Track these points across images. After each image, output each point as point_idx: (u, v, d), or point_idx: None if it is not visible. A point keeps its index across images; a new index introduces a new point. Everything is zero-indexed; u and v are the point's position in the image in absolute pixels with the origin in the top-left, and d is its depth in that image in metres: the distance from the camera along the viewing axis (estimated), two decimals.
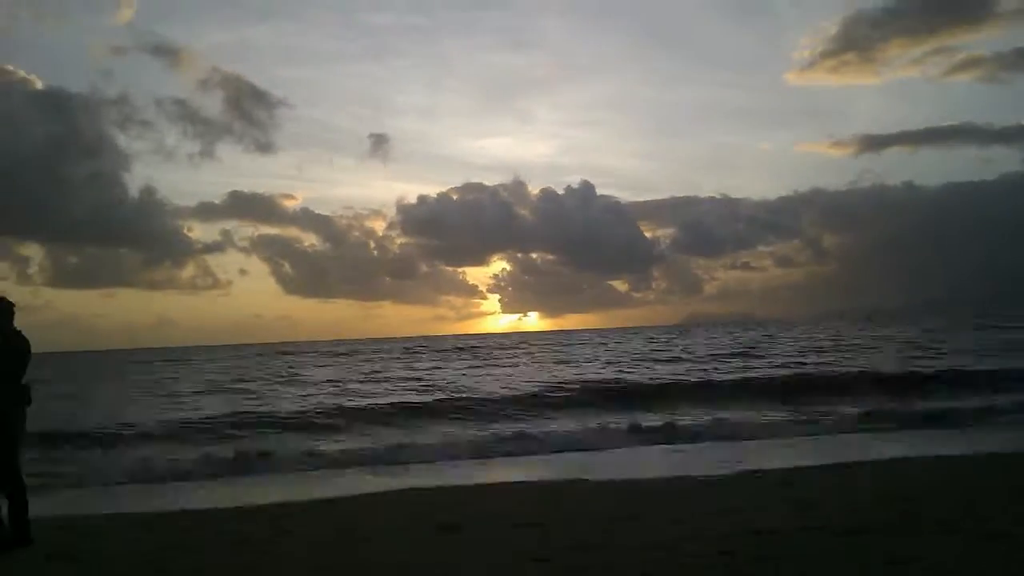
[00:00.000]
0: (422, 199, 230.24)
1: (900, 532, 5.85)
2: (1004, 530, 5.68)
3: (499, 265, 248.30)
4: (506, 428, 15.90)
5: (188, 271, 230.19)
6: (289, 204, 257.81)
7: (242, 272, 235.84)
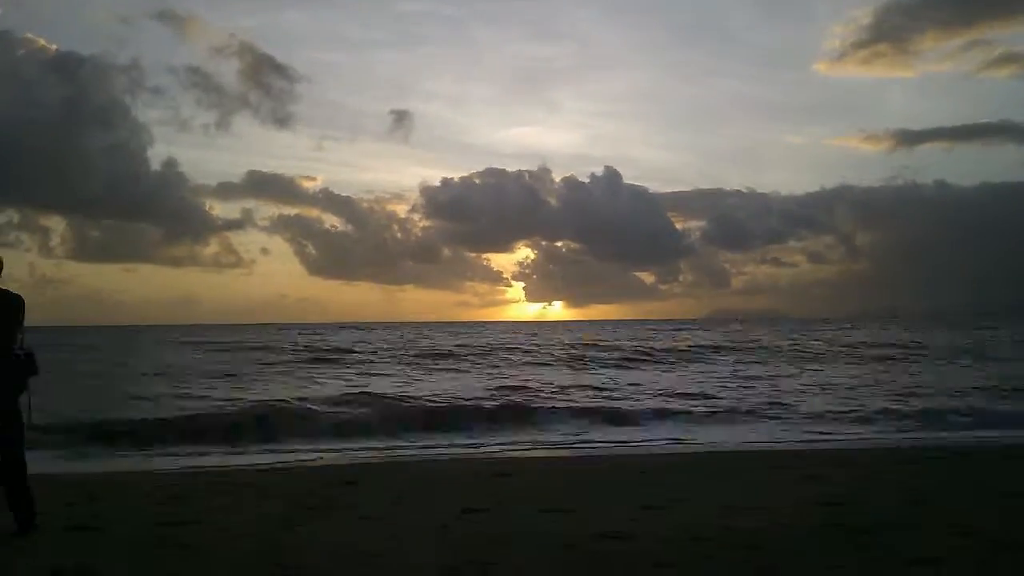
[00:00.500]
0: (446, 182, 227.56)
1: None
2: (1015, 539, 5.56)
3: (524, 252, 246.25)
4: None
5: (209, 248, 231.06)
6: (310, 185, 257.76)
7: (264, 251, 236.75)
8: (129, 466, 10.85)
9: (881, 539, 5.64)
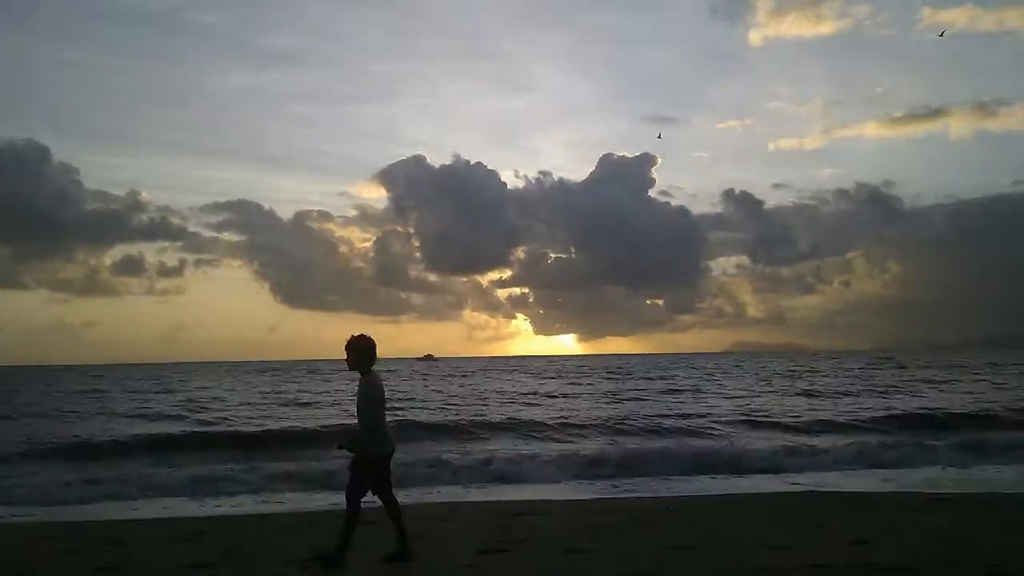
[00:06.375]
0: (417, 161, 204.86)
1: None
2: None
3: (515, 269, 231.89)
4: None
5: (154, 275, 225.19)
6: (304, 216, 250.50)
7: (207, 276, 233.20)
8: (150, 512, 11.03)
9: None
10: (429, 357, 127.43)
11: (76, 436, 19.02)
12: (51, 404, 31.75)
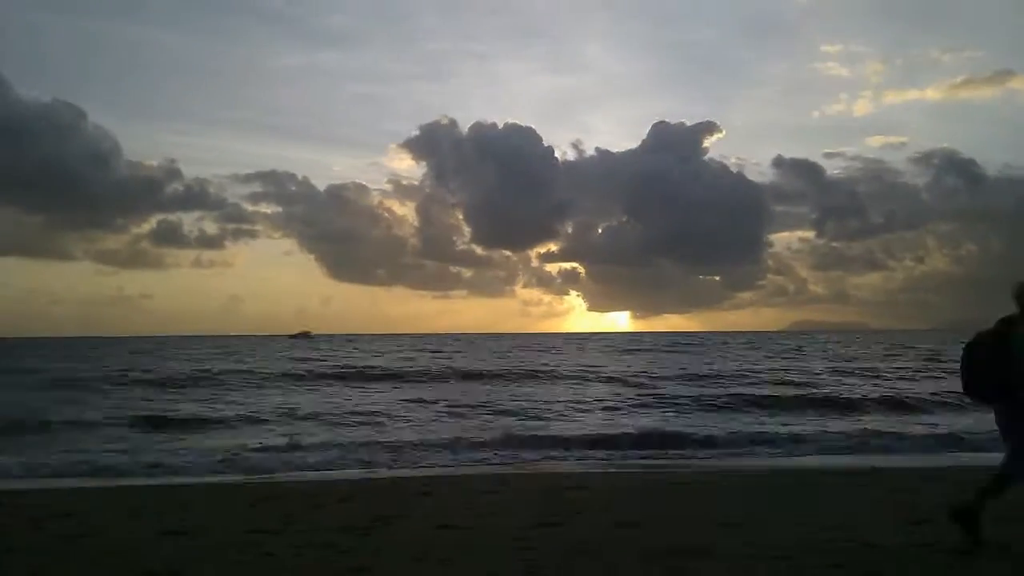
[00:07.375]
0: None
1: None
2: None
3: (561, 243, 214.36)
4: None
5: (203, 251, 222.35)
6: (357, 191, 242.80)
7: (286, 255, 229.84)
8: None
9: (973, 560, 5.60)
10: (305, 335, 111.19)
11: None
12: None
